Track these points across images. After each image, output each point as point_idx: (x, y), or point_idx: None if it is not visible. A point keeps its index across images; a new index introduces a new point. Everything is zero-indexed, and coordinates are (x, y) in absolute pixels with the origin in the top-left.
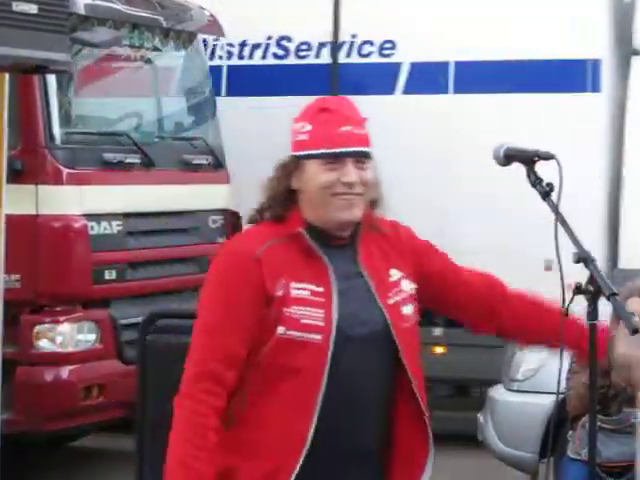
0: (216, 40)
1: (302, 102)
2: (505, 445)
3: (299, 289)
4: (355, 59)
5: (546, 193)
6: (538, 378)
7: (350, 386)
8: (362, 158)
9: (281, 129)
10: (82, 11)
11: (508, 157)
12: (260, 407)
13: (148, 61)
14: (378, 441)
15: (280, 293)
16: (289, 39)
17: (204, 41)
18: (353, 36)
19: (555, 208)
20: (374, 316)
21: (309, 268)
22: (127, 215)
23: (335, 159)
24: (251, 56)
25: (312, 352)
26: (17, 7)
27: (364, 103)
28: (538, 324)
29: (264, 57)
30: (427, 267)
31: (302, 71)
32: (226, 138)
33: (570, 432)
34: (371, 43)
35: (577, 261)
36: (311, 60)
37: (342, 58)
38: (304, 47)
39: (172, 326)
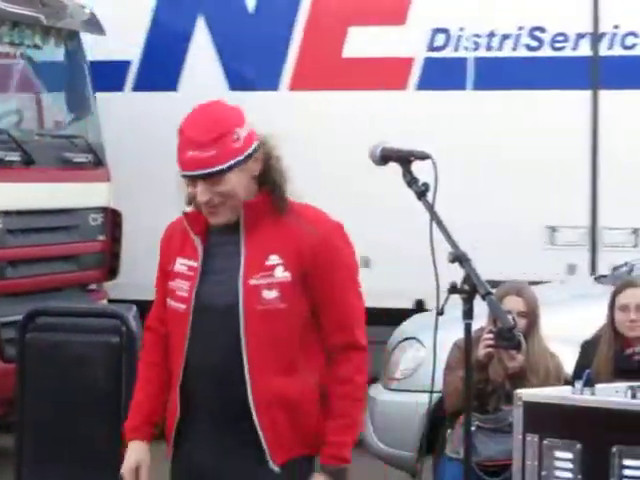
0: (461, 30)
1: (558, 97)
2: (384, 445)
3: (180, 264)
4: (618, 51)
5: (421, 193)
6: (416, 377)
7: (205, 351)
8: (212, 177)
9: (537, 124)
10: None
11: (385, 157)
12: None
13: (28, 59)
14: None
15: (170, 267)
16: (542, 30)
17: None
18: (615, 27)
19: (430, 208)
20: (231, 292)
21: (190, 247)
22: (7, 213)
23: (190, 179)
24: (500, 48)
25: (179, 319)
26: None
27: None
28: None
29: (514, 49)
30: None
31: (558, 64)
32: (469, 135)
33: (449, 431)
34: (635, 35)
35: (452, 260)
36: (568, 52)
37: (603, 50)
38: (560, 38)
39: (51, 324)
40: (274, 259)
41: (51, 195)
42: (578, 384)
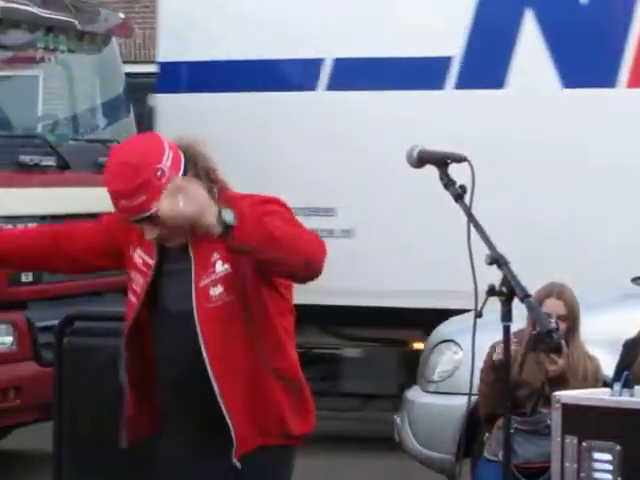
0: None
1: None
2: (423, 447)
3: (139, 256)
4: None
5: (459, 195)
6: (453, 379)
7: (163, 357)
8: (152, 218)
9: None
10: None
11: (421, 159)
12: None
13: (63, 63)
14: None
15: (130, 252)
16: None
17: None
18: None
19: (468, 210)
20: (184, 297)
21: (149, 243)
22: (43, 217)
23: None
24: None
25: (130, 310)
26: None
27: None
28: None
29: None
30: None
31: None
32: None
33: (487, 434)
34: None
35: (490, 263)
36: None
37: None
38: None
39: (89, 328)
40: (214, 256)
41: (87, 199)
42: (617, 386)
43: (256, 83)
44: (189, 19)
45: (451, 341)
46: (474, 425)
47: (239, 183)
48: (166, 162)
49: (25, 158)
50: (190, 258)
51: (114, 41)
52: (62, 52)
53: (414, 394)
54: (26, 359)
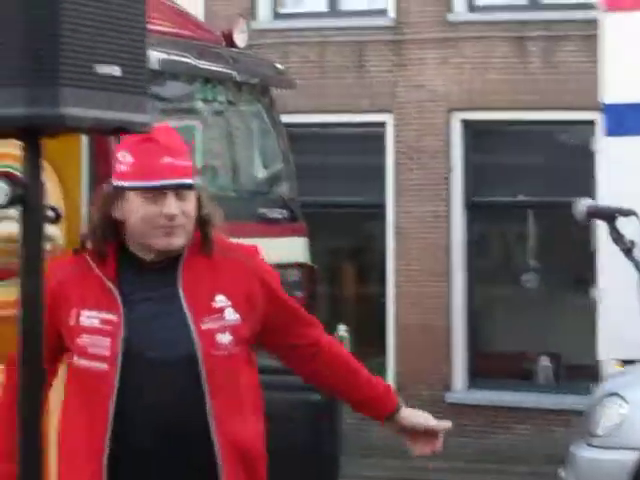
0: None
1: None
2: None
3: (89, 318)
4: None
5: (628, 250)
6: (619, 433)
7: (153, 408)
8: (183, 190)
9: None
10: (157, 66)
11: (590, 214)
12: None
13: (221, 115)
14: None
15: (72, 323)
16: None
17: None
18: None
19: (637, 264)
20: (181, 339)
21: (103, 296)
22: None
23: (156, 191)
24: None
25: (98, 379)
26: (100, 69)
27: None
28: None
29: None
30: (266, 297)
31: None
32: None
33: None
34: None
35: None
36: None
37: None
38: None
39: None
40: (221, 300)
41: None
42: None
43: None
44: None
45: (616, 395)
46: None
47: None
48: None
49: None
50: (177, 297)
51: (272, 91)
52: (220, 103)
53: (578, 448)
54: None
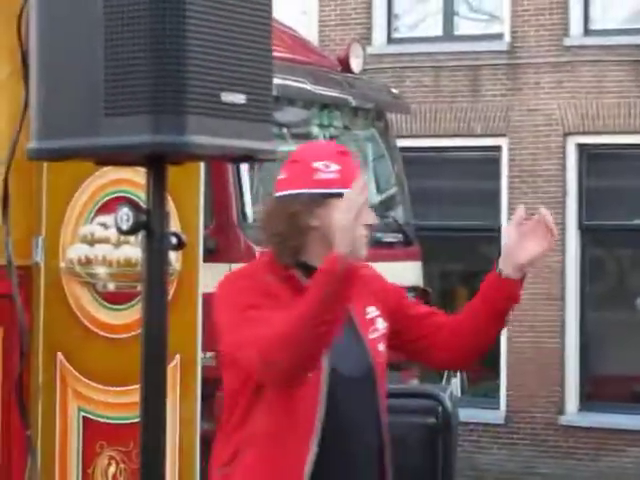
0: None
1: None
2: None
3: None
4: None
5: None
6: None
7: (346, 423)
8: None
9: None
10: (275, 92)
11: None
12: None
13: (337, 139)
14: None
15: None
16: None
17: None
18: None
19: None
20: (361, 351)
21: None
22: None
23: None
24: None
25: (307, 389)
26: (226, 98)
27: None
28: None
29: None
30: (392, 305)
31: None
32: None
33: None
34: None
35: None
36: None
37: None
38: None
39: None
40: (371, 311)
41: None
42: None
43: None
44: None
45: None
46: None
47: None
48: None
49: None
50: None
51: (387, 116)
52: (336, 128)
53: None
54: None
